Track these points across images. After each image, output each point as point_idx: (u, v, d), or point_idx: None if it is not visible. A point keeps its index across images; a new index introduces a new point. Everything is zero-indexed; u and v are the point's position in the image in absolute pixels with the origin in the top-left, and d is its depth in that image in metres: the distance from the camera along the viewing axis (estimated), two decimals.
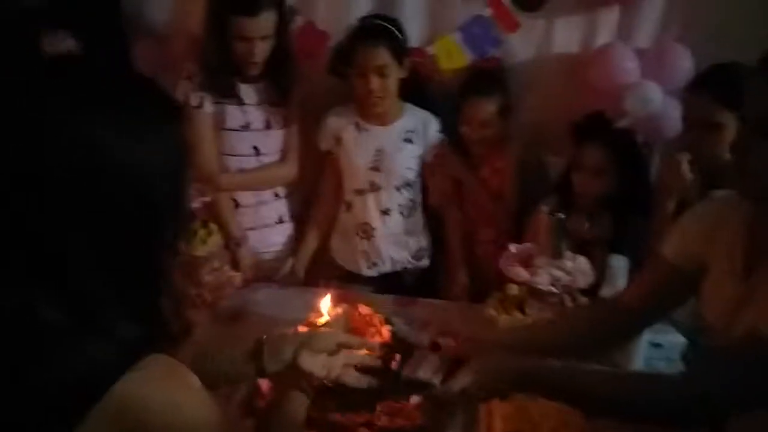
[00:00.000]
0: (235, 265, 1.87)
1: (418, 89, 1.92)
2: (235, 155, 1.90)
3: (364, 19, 1.82)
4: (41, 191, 0.63)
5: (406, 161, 1.91)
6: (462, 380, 1.07)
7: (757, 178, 0.94)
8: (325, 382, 1.02)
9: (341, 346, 1.03)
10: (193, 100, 1.81)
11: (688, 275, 1.12)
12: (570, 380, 1.05)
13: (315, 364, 0.99)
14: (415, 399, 1.25)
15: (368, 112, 1.87)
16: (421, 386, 1.22)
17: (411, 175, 1.93)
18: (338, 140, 1.91)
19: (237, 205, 1.95)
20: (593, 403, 1.04)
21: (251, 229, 1.96)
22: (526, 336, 1.30)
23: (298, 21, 1.99)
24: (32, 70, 0.71)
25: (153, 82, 0.73)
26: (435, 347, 1.26)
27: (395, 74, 1.78)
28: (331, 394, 1.11)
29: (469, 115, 1.90)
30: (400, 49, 1.78)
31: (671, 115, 1.78)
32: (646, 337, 1.48)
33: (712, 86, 1.47)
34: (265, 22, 1.71)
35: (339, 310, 1.35)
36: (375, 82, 1.76)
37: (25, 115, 0.64)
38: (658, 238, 1.68)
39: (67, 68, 0.71)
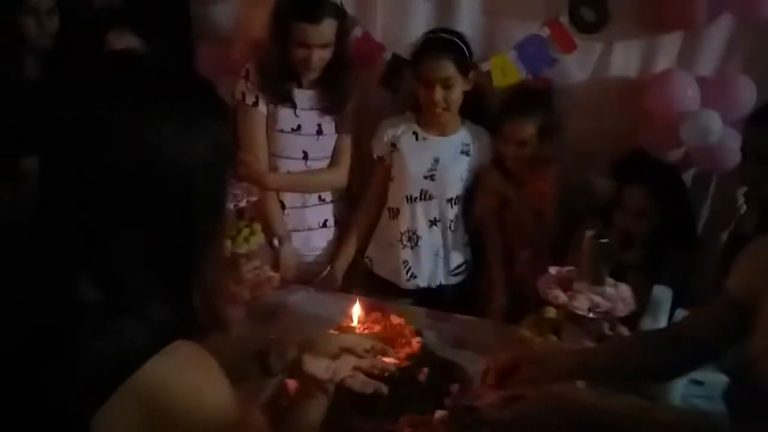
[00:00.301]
0: (277, 264, 1.92)
1: (476, 105, 1.92)
2: (284, 157, 1.94)
3: (430, 32, 1.86)
4: (93, 180, 0.67)
5: (461, 173, 1.92)
6: (515, 412, 1.04)
7: None
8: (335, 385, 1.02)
9: (344, 351, 1.02)
10: (249, 99, 1.87)
11: (748, 310, 1.08)
12: (625, 426, 1.01)
13: (318, 367, 0.99)
14: (440, 414, 1.25)
15: (430, 122, 1.90)
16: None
17: (462, 189, 1.94)
18: (394, 147, 1.93)
19: (283, 206, 1.99)
20: None
21: (295, 230, 2.00)
22: (587, 360, 1.24)
23: (357, 31, 2.03)
24: (94, 64, 0.76)
25: (205, 81, 0.76)
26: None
27: (459, 86, 1.80)
28: (355, 399, 1.11)
29: (507, 134, 1.89)
30: (464, 62, 1.80)
31: (730, 146, 1.72)
32: None
33: None
34: (326, 29, 1.76)
35: (366, 318, 1.36)
36: (439, 93, 1.78)
37: (80, 105, 0.69)
38: (707, 271, 1.64)
39: (126, 63, 0.75)
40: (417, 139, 1.92)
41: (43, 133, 0.71)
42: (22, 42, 1.91)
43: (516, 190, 1.96)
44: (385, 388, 1.03)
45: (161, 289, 0.71)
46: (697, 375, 1.45)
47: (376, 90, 2.06)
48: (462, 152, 1.91)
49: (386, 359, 1.16)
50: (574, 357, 1.26)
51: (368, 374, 1.05)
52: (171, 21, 2.12)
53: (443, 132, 1.91)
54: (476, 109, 1.93)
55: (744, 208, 1.51)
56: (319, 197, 2.03)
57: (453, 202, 1.93)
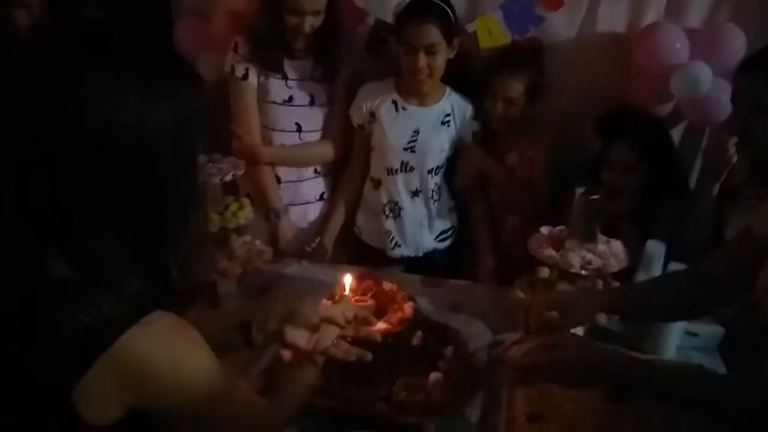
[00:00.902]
0: (275, 238, 1.91)
1: (460, 72, 1.88)
2: (277, 130, 1.92)
3: None
4: (57, 152, 0.66)
5: (441, 144, 1.89)
6: (544, 360, 1.03)
7: None
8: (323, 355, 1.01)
9: (324, 321, 1.02)
10: (239, 72, 1.85)
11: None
12: (647, 378, 1.00)
13: (299, 337, 0.99)
14: (435, 376, 1.25)
15: (411, 90, 1.85)
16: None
17: (443, 159, 1.92)
18: (373, 117, 1.90)
19: (278, 180, 1.98)
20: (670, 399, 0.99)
21: (292, 204, 1.99)
22: (619, 297, 1.27)
23: None
24: (58, 33, 0.74)
25: (175, 53, 0.75)
26: None
27: (444, 53, 1.76)
28: (348, 367, 1.11)
29: (495, 91, 1.86)
30: (449, 28, 1.75)
31: (721, 97, 1.70)
32: (681, 325, 1.43)
33: (764, 67, 1.40)
34: None
35: (357, 286, 1.35)
36: (423, 59, 1.74)
37: (41, 73, 0.67)
38: (700, 223, 1.63)
39: (90, 33, 0.73)
40: (396, 109, 1.88)
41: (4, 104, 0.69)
42: (13, 34, 1.88)
43: (497, 166, 1.94)
44: (368, 355, 1.02)
45: (135, 262, 0.70)
46: (691, 327, 1.46)
47: (367, 57, 2.02)
48: (443, 123, 1.88)
49: (376, 327, 1.16)
50: (604, 296, 1.30)
51: (356, 341, 1.04)
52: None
53: (424, 102, 1.87)
54: (461, 76, 1.89)
55: (735, 158, 1.49)
56: (315, 170, 2.01)
57: (434, 172, 1.91)
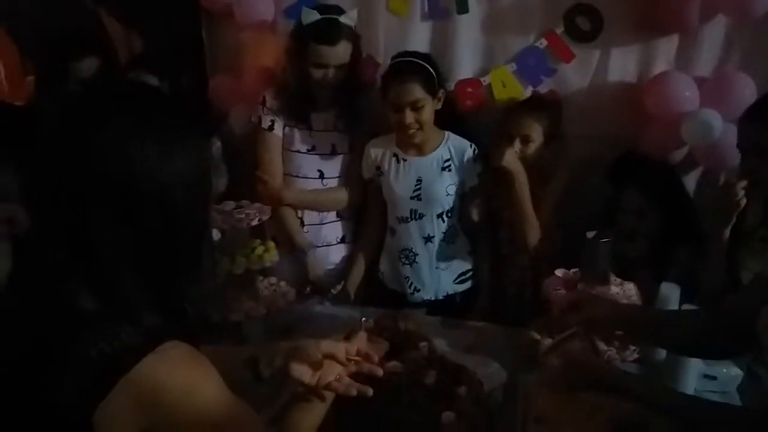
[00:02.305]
0: (301, 278, 1.99)
1: (457, 118, 1.97)
2: (301, 176, 2.04)
3: (397, 56, 1.90)
4: (85, 196, 0.75)
5: (446, 189, 1.95)
6: (578, 316, 1.21)
7: None
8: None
9: (326, 357, 1.04)
10: (265, 123, 2.00)
11: None
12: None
13: (304, 373, 1.02)
14: (448, 416, 1.28)
15: (406, 143, 1.94)
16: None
17: (451, 203, 1.97)
18: (379, 169, 2.00)
19: (302, 223, 2.08)
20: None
21: (315, 246, 2.09)
22: (626, 311, 1.34)
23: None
24: (102, 93, 0.84)
25: (191, 105, 0.84)
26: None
27: (429, 107, 1.85)
28: (361, 407, 1.14)
29: (511, 130, 1.90)
30: (432, 84, 1.84)
31: (733, 143, 1.73)
32: (699, 367, 1.43)
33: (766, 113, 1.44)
34: (342, 51, 1.87)
35: (375, 326, 1.40)
36: (410, 116, 1.83)
37: (81, 128, 0.76)
38: (714, 267, 1.64)
39: (127, 94, 0.82)
40: (398, 161, 1.96)
41: (30, 151, 0.78)
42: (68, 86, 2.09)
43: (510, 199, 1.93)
44: (370, 390, 1.04)
45: (152, 297, 0.78)
46: (709, 370, 1.46)
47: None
48: (443, 169, 1.94)
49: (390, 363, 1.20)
50: (622, 308, 1.37)
51: (359, 377, 1.07)
52: (187, 58, 2.26)
53: (421, 151, 1.95)
54: (452, 120, 1.96)
55: (744, 201, 1.51)
56: (336, 214, 2.11)
57: (444, 216, 1.96)
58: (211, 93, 2.24)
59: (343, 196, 2.08)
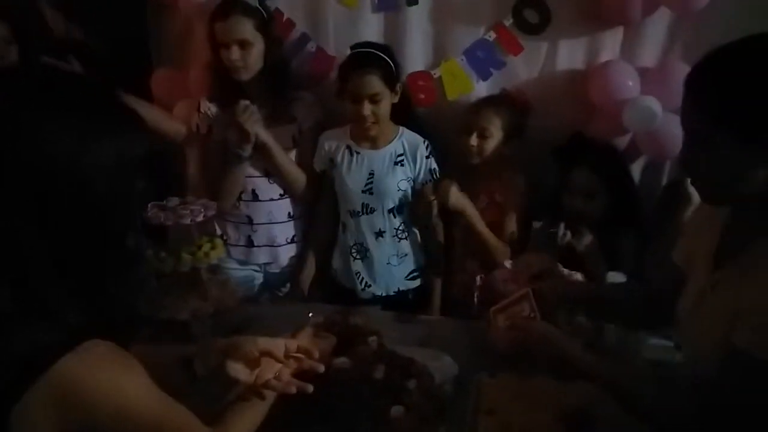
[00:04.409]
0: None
1: (409, 112, 1.96)
2: (247, 176, 1.99)
3: (356, 46, 1.88)
4: None
5: (398, 184, 1.94)
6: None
7: (705, 185, 0.98)
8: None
9: (264, 354, 1.03)
10: (203, 129, 1.98)
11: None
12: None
13: (240, 371, 1.01)
14: (396, 410, 1.27)
15: (361, 135, 1.92)
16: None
17: (404, 198, 1.96)
18: (332, 161, 1.97)
19: (251, 221, 2.03)
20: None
21: (265, 246, 2.06)
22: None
23: (311, 46, 2.08)
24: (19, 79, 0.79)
25: (115, 95, 0.80)
26: None
27: (387, 100, 1.83)
28: (307, 402, 1.12)
29: (470, 123, 1.89)
30: (391, 76, 1.83)
31: (673, 131, 1.77)
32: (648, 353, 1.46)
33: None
34: (236, 26, 1.83)
35: (324, 321, 1.38)
36: (368, 108, 1.81)
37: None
38: (660, 256, 1.67)
39: (47, 80, 0.78)
40: (351, 154, 1.94)
41: None
42: None
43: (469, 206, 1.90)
44: (309, 387, 1.02)
45: (74, 293, 0.74)
46: (655, 355, 1.50)
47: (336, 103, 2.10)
48: (396, 163, 1.93)
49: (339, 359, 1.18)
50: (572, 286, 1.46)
51: (303, 375, 1.06)
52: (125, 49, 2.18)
53: (375, 145, 1.93)
54: (405, 115, 1.95)
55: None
56: (288, 214, 2.07)
57: (395, 211, 1.96)
58: (154, 87, 2.17)
59: (303, 177, 2.03)
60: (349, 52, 1.88)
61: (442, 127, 2.02)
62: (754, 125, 0.88)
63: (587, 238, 1.66)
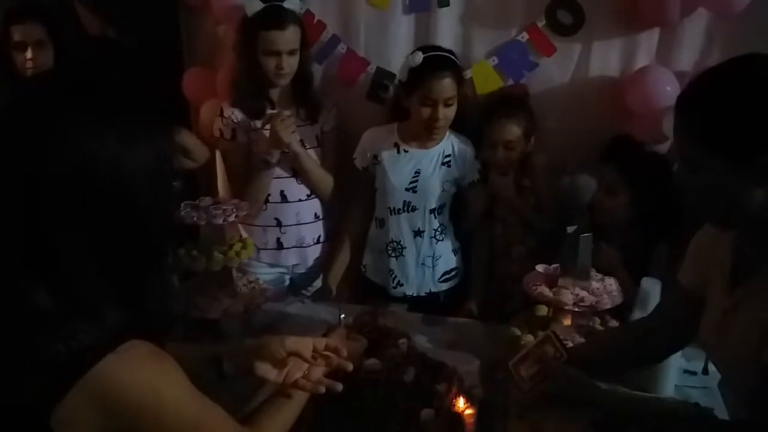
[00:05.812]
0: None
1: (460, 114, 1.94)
2: (275, 177, 1.99)
3: (426, 50, 1.83)
4: (41, 190, 0.71)
5: (443, 184, 1.94)
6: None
7: (699, 209, 0.98)
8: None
9: (291, 354, 1.03)
10: (227, 134, 1.97)
11: (700, 299, 1.12)
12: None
13: (268, 371, 1.01)
14: (427, 413, 1.26)
15: (417, 136, 1.91)
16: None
17: (445, 199, 1.96)
18: (376, 159, 1.96)
19: (279, 224, 2.04)
20: None
21: (293, 247, 2.06)
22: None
23: (341, 48, 2.08)
24: (57, 82, 0.80)
25: (154, 98, 0.81)
26: None
27: (456, 104, 1.83)
28: (339, 404, 1.12)
29: (493, 138, 1.91)
30: (462, 80, 1.84)
31: None
32: (679, 363, 1.43)
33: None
34: (291, 36, 1.85)
35: (354, 322, 1.39)
36: (442, 112, 1.80)
37: (34, 120, 0.73)
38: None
39: (83, 82, 0.79)
40: (398, 151, 1.94)
41: None
42: (14, 76, 1.99)
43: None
44: (339, 386, 1.02)
45: (113, 293, 0.75)
46: (690, 365, 1.46)
47: (362, 105, 2.11)
48: (443, 164, 1.93)
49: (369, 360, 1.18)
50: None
51: (332, 374, 1.06)
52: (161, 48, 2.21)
53: (424, 144, 1.93)
54: (460, 119, 1.94)
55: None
56: (315, 215, 2.08)
57: (437, 212, 1.95)
58: (185, 86, 2.20)
59: (329, 179, 2.04)
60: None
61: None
62: (744, 147, 0.87)
63: (605, 252, 1.66)
